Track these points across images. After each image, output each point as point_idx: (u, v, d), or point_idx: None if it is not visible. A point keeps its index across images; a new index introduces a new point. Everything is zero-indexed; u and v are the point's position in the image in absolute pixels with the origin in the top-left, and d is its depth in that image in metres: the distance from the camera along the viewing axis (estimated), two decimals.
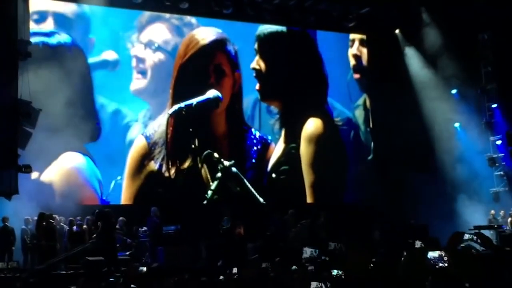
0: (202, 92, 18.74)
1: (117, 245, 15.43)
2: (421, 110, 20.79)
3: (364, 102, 21.91)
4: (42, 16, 17.69)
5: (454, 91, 20.96)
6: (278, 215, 17.66)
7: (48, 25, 17.75)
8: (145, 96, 18.60)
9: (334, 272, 6.91)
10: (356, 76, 21.89)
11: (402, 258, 3.83)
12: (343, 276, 6.51)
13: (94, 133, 17.72)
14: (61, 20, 17.94)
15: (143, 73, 18.63)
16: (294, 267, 11.04)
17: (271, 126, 20.18)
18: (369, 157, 21.74)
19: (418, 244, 13.86)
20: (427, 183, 19.60)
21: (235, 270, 11.24)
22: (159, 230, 16.39)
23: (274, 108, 20.31)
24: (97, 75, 18.14)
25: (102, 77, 18.20)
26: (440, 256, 4.44)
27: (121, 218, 16.23)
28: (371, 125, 21.82)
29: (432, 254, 4.44)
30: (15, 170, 14.83)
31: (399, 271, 3.82)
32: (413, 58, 21.50)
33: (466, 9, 19.33)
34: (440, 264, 4.27)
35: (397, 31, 21.79)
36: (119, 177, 17.84)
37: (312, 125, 20.47)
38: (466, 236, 7.50)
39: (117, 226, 15.93)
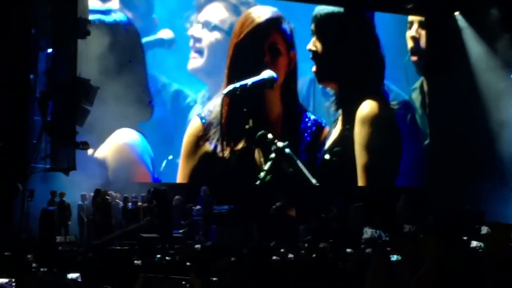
0: (257, 71, 18.56)
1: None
2: (480, 95, 20.25)
3: (421, 85, 21.49)
4: None
5: None
6: (340, 198, 17.49)
7: (114, 4, 17.95)
8: (202, 75, 18.66)
9: (394, 257, 6.79)
10: (414, 58, 21.48)
11: (485, 236, 3.74)
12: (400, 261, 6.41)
13: (147, 111, 17.86)
14: (125, 0, 18.13)
15: (200, 52, 18.67)
16: (349, 250, 10.95)
17: (326, 108, 19.99)
18: (426, 142, 21.38)
19: (484, 229, 13.57)
20: (484, 170, 19.18)
21: (288, 253, 11.21)
22: (211, 209, 16.49)
23: (330, 90, 20.10)
24: (157, 55, 18.29)
25: (162, 56, 18.38)
26: None
27: (177, 196, 16.36)
28: (427, 109, 21.41)
29: None
30: (73, 146, 15.04)
31: (483, 250, 3.73)
32: (472, 41, 20.91)
33: None
34: None
35: (456, 13, 21.24)
36: (170, 156, 17.97)
37: (367, 107, 20.19)
38: None
39: (173, 203, 16.08)
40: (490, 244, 3.74)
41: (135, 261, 10.49)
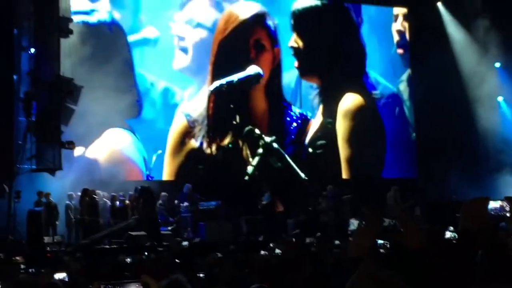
0: (242, 67, 18.64)
1: (159, 220, 15.63)
2: (465, 85, 20.40)
3: (408, 77, 21.61)
4: None
5: (497, 65, 20.51)
6: (335, 191, 17.52)
7: (103, 3, 17.99)
8: (188, 73, 18.73)
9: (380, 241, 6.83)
10: (400, 51, 21.63)
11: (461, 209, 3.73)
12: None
13: (135, 109, 17.88)
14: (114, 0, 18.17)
15: (184, 50, 18.68)
16: (337, 242, 11.01)
17: (310, 101, 20.06)
18: (413, 133, 21.51)
19: None
20: (469, 160, 19.32)
21: (275, 247, 11.25)
22: (197, 206, 16.52)
23: (314, 84, 20.17)
24: (143, 53, 18.36)
25: (148, 55, 18.43)
26: (502, 207, 4.32)
27: (163, 193, 16.38)
28: (415, 101, 21.53)
29: (493, 205, 4.30)
30: (59, 146, 15.00)
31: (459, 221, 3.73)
32: (456, 32, 21.06)
33: None
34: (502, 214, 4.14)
35: (439, 3, 21.34)
36: (159, 151, 17.99)
37: (348, 100, 20.26)
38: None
39: (159, 202, 16.12)
40: (463, 219, 3.74)
41: (126, 259, 10.49)
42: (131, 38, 18.23)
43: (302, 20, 20.05)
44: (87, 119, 16.12)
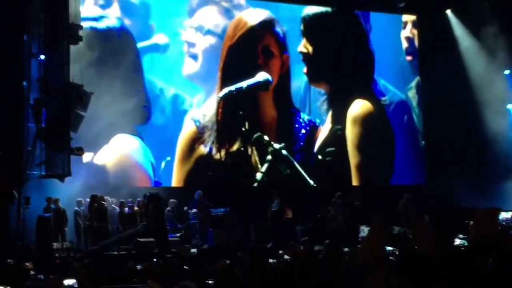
0: (251, 74, 18.70)
1: (168, 227, 15.64)
2: (474, 92, 20.35)
3: (417, 84, 21.57)
4: (107, 2, 18.05)
5: (507, 72, 20.44)
6: (344, 198, 17.50)
7: (114, 10, 18.09)
8: (197, 80, 18.74)
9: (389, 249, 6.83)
10: (409, 58, 21.61)
11: (472, 219, 3.72)
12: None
13: (144, 115, 17.91)
14: (125, 6, 18.27)
15: (194, 57, 18.72)
16: (346, 249, 10.95)
17: (319, 108, 20.06)
18: (422, 140, 21.46)
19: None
20: (478, 166, 19.24)
21: (283, 253, 11.21)
22: (207, 213, 16.52)
23: (322, 91, 20.17)
24: (153, 59, 18.40)
25: (158, 61, 18.47)
26: None
27: (172, 200, 16.38)
28: (423, 108, 21.49)
29: (504, 215, 4.28)
30: (68, 152, 15.03)
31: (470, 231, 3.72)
32: (465, 39, 21.01)
33: None
34: None
35: (448, 11, 21.31)
36: (168, 157, 18.00)
37: (358, 107, 20.27)
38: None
39: (168, 208, 16.11)
40: (474, 229, 3.73)
41: (136, 266, 10.49)
42: (140, 44, 18.28)
43: (312, 26, 20.09)
44: (95, 124, 16.17)
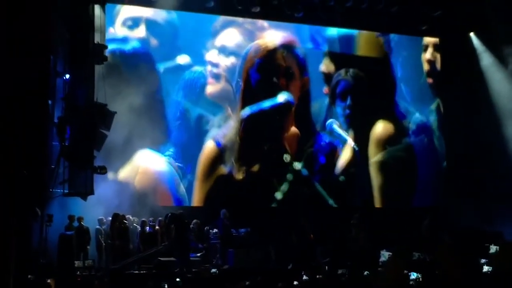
0: (271, 95, 18.89)
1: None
2: (496, 116, 20.25)
3: (438, 106, 21.52)
4: (135, 22, 18.25)
5: None
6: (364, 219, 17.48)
7: (141, 31, 18.29)
8: (219, 100, 18.84)
9: (413, 275, 6.83)
10: (430, 80, 21.57)
11: (493, 255, 3.74)
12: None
13: (165, 135, 18.04)
14: (152, 26, 18.44)
15: (217, 77, 18.87)
16: (366, 272, 10.93)
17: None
18: (443, 162, 21.38)
19: (493, 248, 13.51)
20: (501, 189, 19.10)
21: (305, 276, 11.21)
22: (229, 232, 16.54)
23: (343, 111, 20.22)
24: (176, 79, 18.52)
25: (181, 81, 18.57)
26: None
27: (195, 220, 16.39)
28: (444, 131, 21.43)
29: None
30: (91, 171, 15.15)
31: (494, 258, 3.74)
32: (488, 62, 20.93)
33: None
34: None
35: (471, 33, 21.27)
36: (189, 175, 18.10)
37: (381, 128, 20.33)
38: None
39: (191, 226, 16.10)
40: (497, 263, 3.75)
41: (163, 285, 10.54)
42: (165, 64, 18.43)
43: (335, 47, 20.23)
44: (117, 143, 16.30)
